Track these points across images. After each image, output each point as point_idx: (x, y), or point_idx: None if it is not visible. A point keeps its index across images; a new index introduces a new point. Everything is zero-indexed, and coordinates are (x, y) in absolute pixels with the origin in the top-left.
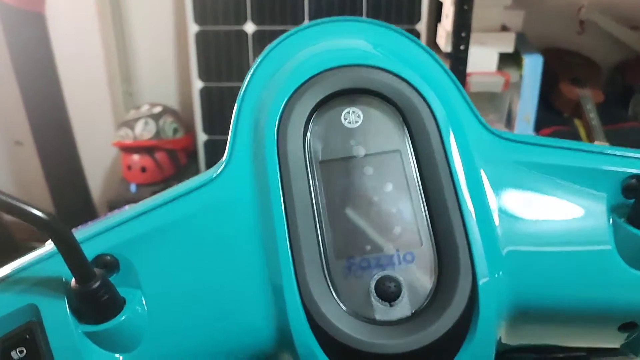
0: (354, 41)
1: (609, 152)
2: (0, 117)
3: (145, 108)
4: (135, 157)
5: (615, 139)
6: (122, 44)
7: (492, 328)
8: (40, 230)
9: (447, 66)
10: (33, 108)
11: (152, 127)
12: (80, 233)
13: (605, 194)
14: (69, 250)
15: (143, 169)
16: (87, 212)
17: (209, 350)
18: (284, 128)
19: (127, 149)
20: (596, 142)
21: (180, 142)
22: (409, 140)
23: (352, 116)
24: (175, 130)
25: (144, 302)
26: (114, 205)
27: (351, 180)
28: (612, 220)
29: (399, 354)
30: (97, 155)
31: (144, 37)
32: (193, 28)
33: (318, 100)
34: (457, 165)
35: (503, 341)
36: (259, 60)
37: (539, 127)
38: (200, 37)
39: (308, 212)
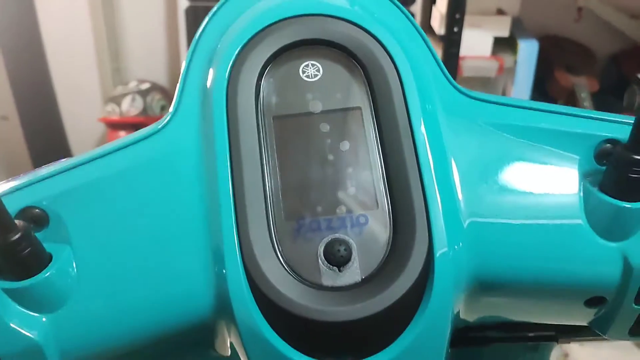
0: None
1: (583, 114)
2: None
3: (133, 84)
4: (122, 134)
5: None
6: (111, 19)
7: (448, 299)
8: None
9: (440, 50)
10: (18, 83)
11: (139, 103)
12: (8, 185)
13: (578, 157)
14: None
15: None
16: None
17: (141, 316)
18: (234, 79)
19: (114, 125)
20: None
21: None
22: (370, 97)
23: (311, 69)
24: (162, 108)
25: (73, 260)
26: None
27: (306, 137)
28: (584, 187)
29: (345, 321)
30: (84, 131)
31: (134, 12)
32: (183, 4)
33: (274, 50)
34: (420, 127)
35: (462, 316)
36: (216, 7)
37: None
38: (190, 13)
39: (256, 169)
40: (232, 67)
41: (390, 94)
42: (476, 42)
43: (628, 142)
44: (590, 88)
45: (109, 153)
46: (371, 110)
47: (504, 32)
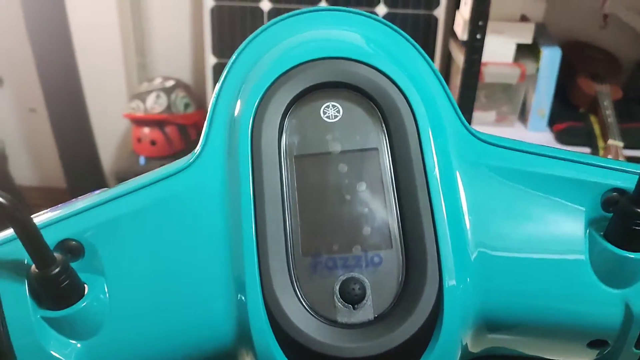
0: (338, 33)
1: (592, 162)
2: (14, 84)
3: (157, 81)
4: (146, 130)
5: (631, 138)
6: (137, 16)
7: (457, 336)
8: None
9: (463, 54)
10: (46, 76)
11: (163, 100)
12: (47, 216)
13: (585, 206)
14: (28, 235)
15: (153, 142)
16: (97, 182)
17: (168, 342)
18: (259, 120)
19: (138, 122)
20: (610, 140)
21: (191, 117)
22: (387, 138)
23: (331, 110)
24: (186, 105)
25: (106, 290)
26: (122, 176)
27: (325, 176)
28: (589, 233)
29: (359, 358)
30: (109, 126)
31: (160, 9)
32: (209, 3)
33: (297, 92)
34: (434, 168)
35: (469, 349)
36: (239, 50)
37: (553, 121)
38: (216, 12)
39: (277, 206)
40: (257, 108)
41: (406, 136)
42: (498, 49)
43: (633, 193)
44: (613, 96)
45: (140, 188)
46: (387, 151)
47: (527, 39)
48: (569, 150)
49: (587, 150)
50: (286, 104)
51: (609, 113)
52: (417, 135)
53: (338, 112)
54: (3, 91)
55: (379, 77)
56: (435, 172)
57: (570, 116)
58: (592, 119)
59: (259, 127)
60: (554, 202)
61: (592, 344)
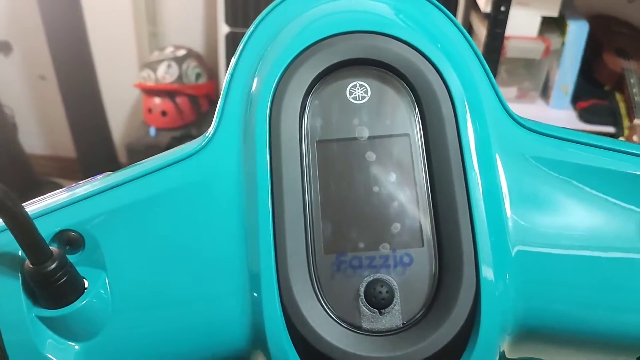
0: (366, 3)
1: None
2: (24, 51)
3: (169, 50)
4: (157, 100)
5: None
6: None
7: (495, 345)
8: None
9: (485, 27)
10: (56, 42)
11: (174, 70)
12: (42, 204)
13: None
14: (20, 227)
15: (164, 113)
16: (107, 152)
17: (176, 345)
18: (278, 100)
19: (149, 92)
20: (636, 120)
21: (203, 88)
22: (420, 123)
23: (359, 91)
24: (198, 75)
25: (108, 286)
26: (132, 147)
27: (350, 165)
28: None
29: None
30: (119, 96)
31: None
32: None
33: (320, 70)
34: (472, 158)
35: (508, 356)
36: (257, 21)
37: (576, 99)
38: None
39: (297, 197)
40: (276, 86)
41: (442, 122)
42: (523, 22)
43: None
44: None
45: (147, 174)
46: (420, 138)
47: (553, 12)
48: (623, 141)
49: (611, 129)
50: (308, 83)
51: (635, 91)
52: (454, 121)
53: (366, 92)
54: (12, 58)
55: (411, 53)
56: (473, 162)
57: (595, 94)
58: (618, 97)
59: (278, 108)
60: (607, 199)
61: None
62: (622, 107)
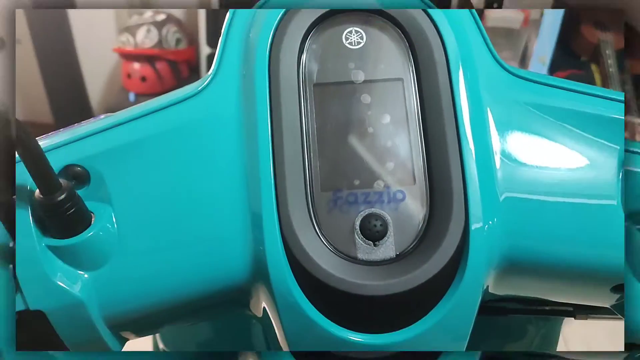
0: None
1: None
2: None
3: (148, 14)
4: (136, 66)
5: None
6: None
7: (481, 277)
8: None
9: None
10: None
11: (154, 35)
12: (50, 140)
13: (619, 145)
14: (32, 158)
15: (143, 79)
16: (85, 118)
17: (179, 276)
18: (277, 44)
19: (128, 56)
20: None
21: (183, 54)
22: (413, 69)
23: (354, 36)
24: (178, 41)
25: (114, 220)
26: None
27: (346, 107)
28: (628, 231)
29: (379, 296)
30: (98, 60)
31: None
32: None
33: (318, 15)
34: (463, 101)
35: (490, 290)
36: None
37: (553, 69)
38: None
39: (296, 137)
40: (274, 32)
41: (434, 67)
42: None
43: None
44: (616, 45)
45: (149, 113)
46: (414, 83)
47: None
48: (604, 88)
49: None
50: (306, 27)
51: (610, 62)
52: (446, 66)
53: (361, 38)
54: None
55: (406, 1)
56: (464, 106)
57: (572, 64)
58: (593, 67)
59: (277, 51)
60: (589, 139)
61: (616, 289)
62: (597, 78)
